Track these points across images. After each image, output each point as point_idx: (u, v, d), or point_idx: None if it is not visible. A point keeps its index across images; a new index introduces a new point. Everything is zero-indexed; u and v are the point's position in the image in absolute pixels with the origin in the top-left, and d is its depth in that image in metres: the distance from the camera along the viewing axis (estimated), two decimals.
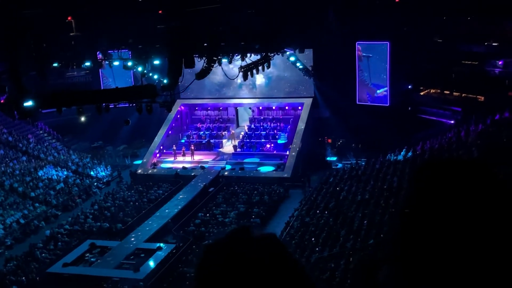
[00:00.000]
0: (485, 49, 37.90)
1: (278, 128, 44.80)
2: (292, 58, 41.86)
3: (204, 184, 35.86)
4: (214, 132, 45.72)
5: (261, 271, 1.25)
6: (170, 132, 45.02)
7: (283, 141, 43.27)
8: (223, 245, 1.30)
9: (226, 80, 41.38)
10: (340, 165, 39.82)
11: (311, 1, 39.89)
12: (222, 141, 44.55)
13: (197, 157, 42.04)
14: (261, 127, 45.08)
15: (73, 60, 35.26)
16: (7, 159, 39.14)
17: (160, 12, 33.06)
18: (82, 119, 30.07)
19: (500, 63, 37.82)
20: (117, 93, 27.00)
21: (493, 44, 37.97)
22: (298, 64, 42.64)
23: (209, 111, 48.45)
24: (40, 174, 38.17)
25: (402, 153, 35.12)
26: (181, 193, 35.00)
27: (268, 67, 39.51)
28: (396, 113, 41.21)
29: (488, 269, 1.26)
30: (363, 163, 36.95)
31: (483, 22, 37.59)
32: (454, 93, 40.81)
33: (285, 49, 40.10)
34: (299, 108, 45.18)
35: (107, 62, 35.73)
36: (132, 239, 28.29)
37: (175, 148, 42.90)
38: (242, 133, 45.03)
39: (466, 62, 39.53)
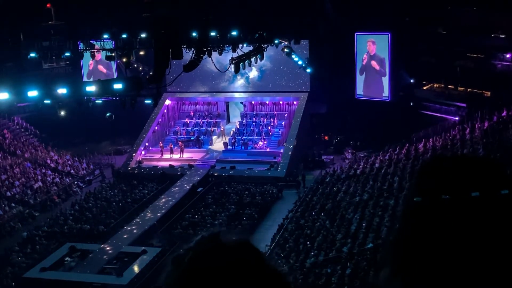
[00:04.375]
0: (492, 42, 38.06)
1: (272, 124, 44.79)
2: (286, 50, 41.84)
3: (192, 184, 35.81)
4: (203, 128, 45.65)
5: (232, 283, 1.22)
6: (156, 127, 44.92)
7: (276, 138, 43.30)
8: (190, 256, 1.27)
9: (216, 73, 41.31)
10: (337, 164, 39.92)
11: None
12: (211, 138, 44.50)
13: (185, 155, 41.98)
14: (253, 123, 45.07)
15: (52, 50, 35.06)
16: None
17: None
18: (62, 113, 29.88)
19: (508, 56, 38.00)
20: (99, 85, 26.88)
21: (501, 36, 38.14)
22: (293, 56, 42.64)
23: (198, 106, 48.37)
24: (16, 172, 37.97)
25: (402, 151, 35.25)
26: (167, 193, 34.93)
27: (262, 59, 39.49)
28: (397, 109, 41.34)
29: (495, 272, 1.26)
30: (361, 162, 37.05)
31: (490, 13, 37.74)
32: (459, 88, 40.99)
33: (279, 40, 40.08)
34: (294, 103, 45.19)
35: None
36: (115, 242, 28.21)
37: (161, 145, 42.83)
38: (233, 129, 45.00)
39: (472, 55, 39.71)
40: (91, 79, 45.07)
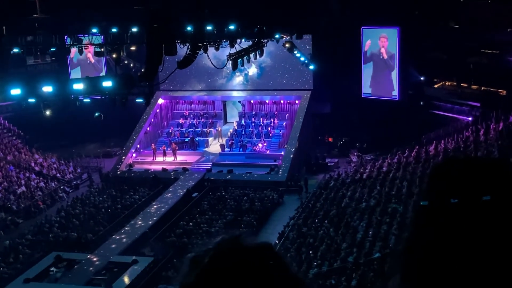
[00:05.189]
0: (507, 37, 38.10)
1: (272, 125, 44.81)
2: (288, 45, 41.85)
3: (186, 189, 35.81)
4: (199, 129, 45.66)
5: (252, 286, 1.27)
6: (148, 128, 44.92)
7: (277, 140, 43.31)
8: (210, 257, 1.32)
9: (213, 69, 41.31)
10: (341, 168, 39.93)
11: None
12: (207, 140, 44.51)
13: (179, 158, 41.98)
14: (252, 124, 45.08)
15: (37, 45, 35.03)
16: None
17: None
18: (47, 113, 29.86)
19: None
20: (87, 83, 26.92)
21: None
22: (295, 52, 42.65)
23: (193, 105, 48.38)
24: None
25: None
26: (160, 198, 34.93)
27: (261, 55, 39.50)
28: (406, 108, 41.39)
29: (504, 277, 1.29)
30: (368, 165, 37.06)
31: (505, 6, 37.78)
32: (472, 86, 41.03)
33: (280, 35, 40.09)
34: (296, 102, 45.21)
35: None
36: (104, 251, 28.19)
37: (154, 147, 42.82)
38: (231, 130, 45.01)
39: (486, 51, 39.75)
40: (79, 72, 45.25)
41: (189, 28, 30.98)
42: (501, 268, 1.28)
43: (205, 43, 31.76)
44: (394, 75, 43.22)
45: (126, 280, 25.19)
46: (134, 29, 35.86)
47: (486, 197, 1.32)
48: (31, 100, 29.34)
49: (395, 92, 43.37)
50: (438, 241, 1.34)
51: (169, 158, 42.03)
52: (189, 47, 28.95)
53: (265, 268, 1.30)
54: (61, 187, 39.07)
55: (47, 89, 25.94)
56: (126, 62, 44.08)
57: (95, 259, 27.39)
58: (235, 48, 35.66)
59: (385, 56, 43.31)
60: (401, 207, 27.03)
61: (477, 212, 1.32)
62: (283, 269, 1.33)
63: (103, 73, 46.08)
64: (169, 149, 42.49)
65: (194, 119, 47.00)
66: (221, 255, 1.32)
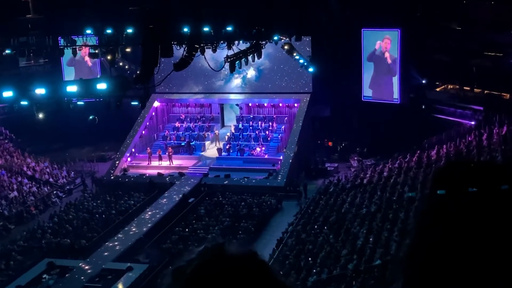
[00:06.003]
0: (511, 38, 38.14)
1: (270, 128, 44.81)
2: (287, 47, 41.87)
3: (183, 194, 35.77)
4: (195, 132, 45.65)
5: None
6: (143, 132, 44.89)
7: (275, 144, 43.31)
8: (193, 267, 1.30)
9: (210, 72, 41.35)
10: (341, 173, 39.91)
11: None
12: (204, 144, 44.50)
13: (175, 162, 41.96)
14: (250, 127, 45.08)
15: (30, 46, 35.05)
16: None
17: None
18: (40, 116, 29.85)
19: None
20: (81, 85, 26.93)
21: None
22: (294, 54, 42.66)
23: (189, 108, 48.36)
24: None
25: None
26: (155, 204, 34.88)
27: (259, 57, 39.52)
28: (407, 112, 41.40)
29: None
30: (369, 170, 37.06)
31: (508, 7, 37.84)
32: (475, 90, 41.05)
33: (279, 37, 40.12)
34: (295, 105, 45.22)
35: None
36: (97, 258, 28.12)
37: (150, 151, 42.76)
38: (228, 134, 45.02)
39: (489, 53, 39.79)
40: (73, 72, 45.19)
41: (185, 29, 31.02)
42: (504, 267, 1.27)
43: (202, 45, 31.80)
44: (396, 79, 43.24)
45: (121, 287, 25.13)
46: (129, 30, 35.88)
47: (504, 186, 1.31)
48: (24, 102, 29.34)
49: (396, 96, 43.37)
50: (441, 244, 1.32)
51: (165, 163, 42.00)
52: (186, 48, 28.97)
53: (250, 277, 1.27)
54: (54, 192, 39.01)
55: (40, 91, 25.95)
56: (121, 64, 44.07)
57: (88, 266, 27.31)
58: (233, 50, 35.68)
59: (389, 61, 43.26)
60: (402, 213, 27.01)
61: (492, 201, 1.31)
62: (270, 278, 1.29)
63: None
64: (165, 153, 42.46)
65: (190, 123, 46.97)
66: (204, 265, 1.30)
